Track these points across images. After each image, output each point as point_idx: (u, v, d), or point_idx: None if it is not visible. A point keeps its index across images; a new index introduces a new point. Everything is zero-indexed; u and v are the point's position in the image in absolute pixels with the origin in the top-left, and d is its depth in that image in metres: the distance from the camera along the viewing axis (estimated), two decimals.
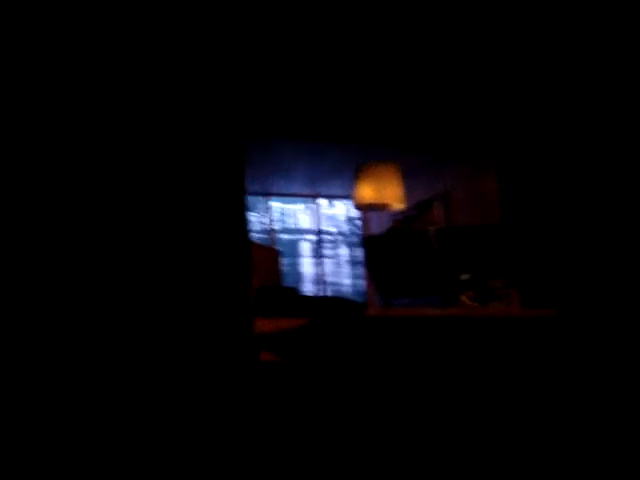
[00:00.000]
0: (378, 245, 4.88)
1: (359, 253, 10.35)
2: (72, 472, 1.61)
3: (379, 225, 7.73)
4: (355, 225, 11.03)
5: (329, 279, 10.54)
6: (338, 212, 11.07)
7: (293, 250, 10.52)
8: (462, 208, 8.22)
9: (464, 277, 3.24)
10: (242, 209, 1.94)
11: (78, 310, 1.67)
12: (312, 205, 10.67)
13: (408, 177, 6.72)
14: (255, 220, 10.08)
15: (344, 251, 10.87)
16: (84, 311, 1.68)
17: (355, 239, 10.87)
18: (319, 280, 10.46)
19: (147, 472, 1.67)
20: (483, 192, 7.47)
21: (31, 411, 1.61)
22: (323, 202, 10.77)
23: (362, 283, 10.45)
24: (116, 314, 1.70)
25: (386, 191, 6.40)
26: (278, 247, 8.64)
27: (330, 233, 10.89)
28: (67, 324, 1.66)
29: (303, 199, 10.59)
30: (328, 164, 8.11)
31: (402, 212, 6.45)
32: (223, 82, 1.91)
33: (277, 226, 10.48)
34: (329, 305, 2.67)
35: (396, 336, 2.63)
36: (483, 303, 3.27)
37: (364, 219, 10.42)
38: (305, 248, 10.67)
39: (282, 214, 10.71)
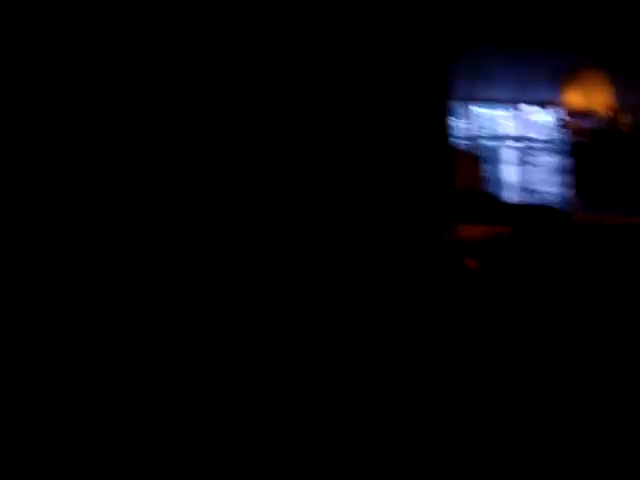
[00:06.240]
0: (586, 152, 4.76)
1: (562, 160, 10.02)
2: None
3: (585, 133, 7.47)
4: (559, 132, 10.65)
5: (531, 187, 10.31)
6: (542, 118, 10.72)
7: (495, 156, 10.36)
8: None
9: None
10: (444, 114, 1.99)
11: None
12: (515, 111, 10.40)
13: (615, 82, 6.41)
14: (458, 126, 9.97)
15: (546, 158, 10.56)
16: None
17: (559, 146, 10.51)
18: (521, 187, 10.26)
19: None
20: None
21: None
22: (527, 108, 10.45)
23: (565, 192, 10.16)
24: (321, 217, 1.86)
25: (595, 97, 6.16)
26: (480, 153, 8.57)
27: (533, 139, 10.59)
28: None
29: (506, 105, 10.32)
30: (534, 69, 7.86)
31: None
32: None
33: (479, 132, 10.33)
34: (534, 213, 2.67)
35: (608, 245, 2.57)
36: None
37: (569, 126, 10.03)
38: (507, 154, 10.48)
39: (485, 120, 10.53)
